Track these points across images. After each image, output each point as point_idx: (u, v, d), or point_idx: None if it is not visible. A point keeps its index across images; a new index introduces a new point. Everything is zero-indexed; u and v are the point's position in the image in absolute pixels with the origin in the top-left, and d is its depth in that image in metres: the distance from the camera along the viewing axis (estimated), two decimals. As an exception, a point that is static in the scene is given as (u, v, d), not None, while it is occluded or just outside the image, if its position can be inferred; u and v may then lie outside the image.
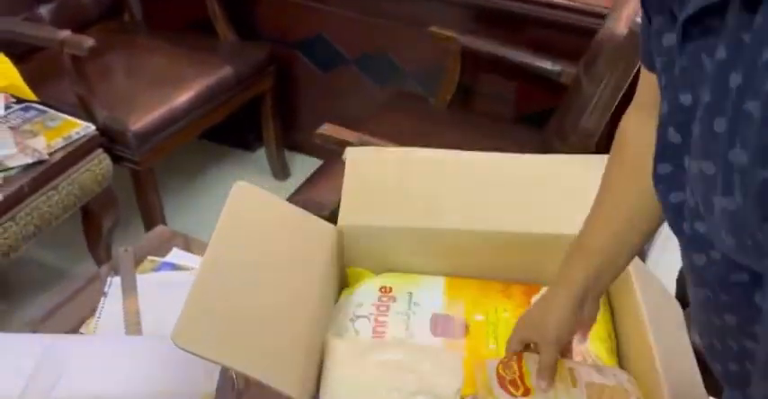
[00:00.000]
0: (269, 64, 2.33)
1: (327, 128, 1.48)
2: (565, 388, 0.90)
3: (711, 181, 0.56)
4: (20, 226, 1.66)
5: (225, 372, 0.96)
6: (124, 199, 2.05)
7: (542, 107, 1.99)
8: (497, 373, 0.92)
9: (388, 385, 0.96)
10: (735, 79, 0.52)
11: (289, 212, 1.09)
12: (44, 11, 2.20)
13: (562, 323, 0.89)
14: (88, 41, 1.81)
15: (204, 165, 2.64)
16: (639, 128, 0.83)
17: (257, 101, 2.39)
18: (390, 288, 1.13)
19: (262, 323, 0.91)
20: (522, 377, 0.91)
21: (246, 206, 1.03)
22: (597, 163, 1.05)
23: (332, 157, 1.50)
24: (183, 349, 0.80)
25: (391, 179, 1.17)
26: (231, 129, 2.55)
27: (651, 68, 0.73)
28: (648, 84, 0.80)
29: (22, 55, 2.03)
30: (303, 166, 2.53)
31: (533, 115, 2.03)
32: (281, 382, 0.86)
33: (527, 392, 0.90)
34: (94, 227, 1.94)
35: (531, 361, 0.92)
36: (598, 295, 0.93)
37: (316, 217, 1.11)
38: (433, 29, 1.90)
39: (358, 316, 1.08)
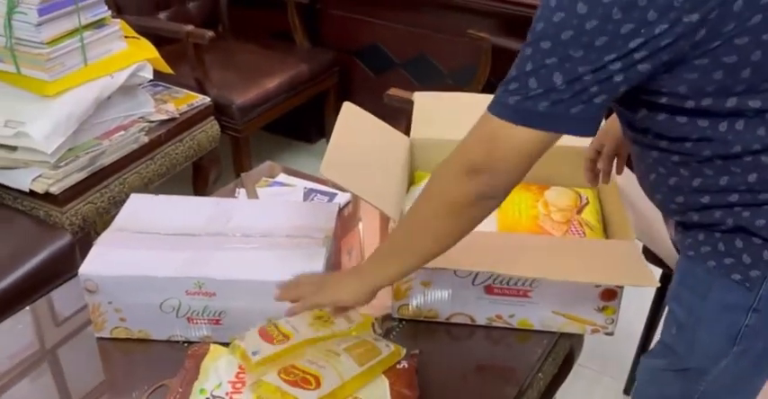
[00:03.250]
0: (333, 66, 2.80)
1: (393, 91, 1.93)
2: None
3: None
4: (156, 164, 2.10)
5: (337, 217, 1.38)
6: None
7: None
8: None
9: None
10: None
11: (382, 125, 1.53)
12: (162, 16, 2.68)
13: (619, 135, 1.27)
14: (208, 33, 2.28)
15: (272, 154, 3.06)
16: None
17: (322, 97, 2.85)
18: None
19: (369, 177, 1.33)
20: None
21: (354, 116, 1.48)
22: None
23: (397, 116, 1.94)
24: (326, 177, 1.23)
25: (447, 108, 1.60)
26: (294, 124, 3.00)
27: None
28: None
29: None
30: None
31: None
32: (385, 208, 1.28)
33: None
34: (203, 179, 2.38)
35: None
36: None
37: (396, 131, 1.54)
38: (470, 31, 2.34)
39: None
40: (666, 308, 1.18)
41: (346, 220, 1.62)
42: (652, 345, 1.83)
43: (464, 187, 0.98)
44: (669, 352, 1.15)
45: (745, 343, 1.05)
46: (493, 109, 0.93)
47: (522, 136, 0.92)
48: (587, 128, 0.92)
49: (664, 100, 0.94)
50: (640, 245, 1.27)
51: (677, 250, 1.14)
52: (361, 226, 1.63)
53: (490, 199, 1.01)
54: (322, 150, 3.14)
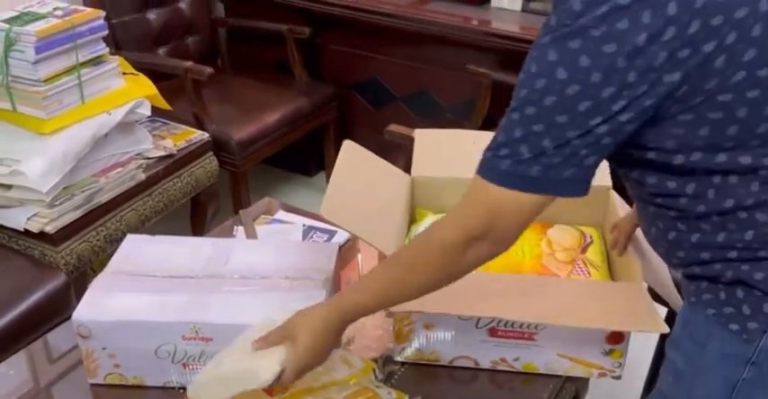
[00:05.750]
0: (333, 100, 2.79)
1: (393, 127, 1.92)
2: None
3: None
4: (154, 201, 2.08)
5: (338, 257, 1.35)
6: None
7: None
8: None
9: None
10: None
11: (382, 163, 1.51)
12: (161, 51, 2.68)
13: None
14: (207, 69, 2.27)
15: (270, 188, 3.04)
16: None
17: (321, 131, 2.83)
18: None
19: (369, 216, 1.31)
20: None
21: (354, 154, 1.46)
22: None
23: (396, 150, 1.92)
24: (327, 219, 1.20)
25: (447, 145, 1.58)
26: (294, 157, 2.98)
27: None
28: None
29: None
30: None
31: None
32: (386, 249, 1.25)
33: None
34: (201, 215, 2.36)
35: None
36: None
37: (397, 168, 1.52)
38: (470, 66, 2.34)
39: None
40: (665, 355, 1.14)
41: (345, 252, 1.59)
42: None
43: (463, 254, 0.98)
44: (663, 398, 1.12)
45: (741, 397, 1.00)
46: (485, 173, 0.93)
47: (519, 199, 0.92)
48: (579, 190, 0.92)
49: (653, 155, 0.93)
50: (646, 286, 1.23)
51: (681, 294, 1.11)
52: (360, 257, 1.60)
53: (486, 261, 1.01)
54: (321, 183, 3.14)
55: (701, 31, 0.82)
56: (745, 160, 0.90)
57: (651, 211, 1.03)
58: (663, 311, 1.41)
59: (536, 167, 0.89)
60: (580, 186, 0.92)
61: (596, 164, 0.91)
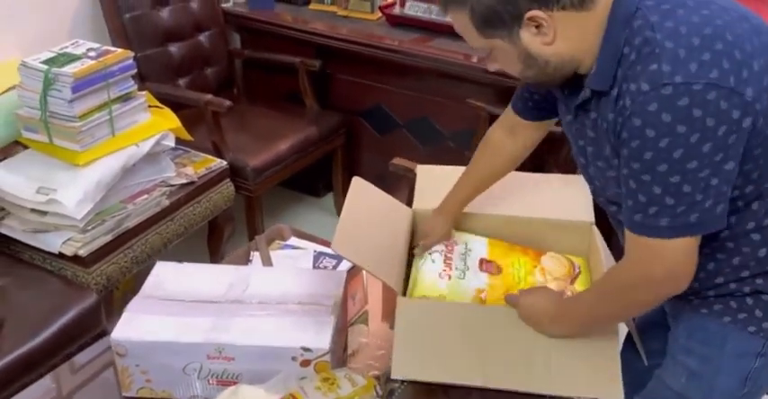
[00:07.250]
0: (341, 127, 2.93)
1: (397, 160, 2.05)
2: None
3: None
4: (176, 225, 2.21)
5: (346, 283, 1.48)
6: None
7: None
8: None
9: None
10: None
11: (387, 198, 1.64)
12: (182, 81, 2.82)
13: (442, 232, 1.57)
14: (226, 102, 2.42)
15: (282, 208, 3.18)
16: (502, 140, 1.51)
17: (330, 156, 2.97)
18: (454, 242, 1.64)
19: (375, 250, 1.44)
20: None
21: (362, 190, 1.59)
22: (574, 179, 1.61)
23: (399, 182, 2.06)
24: (337, 253, 1.33)
25: (447, 181, 1.71)
26: (304, 179, 3.12)
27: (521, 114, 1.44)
28: (514, 118, 1.46)
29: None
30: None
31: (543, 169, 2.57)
32: (388, 280, 1.39)
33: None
34: (217, 236, 2.49)
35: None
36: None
37: (401, 203, 1.65)
38: (470, 100, 2.47)
39: (433, 252, 1.59)
40: (669, 360, 1.32)
41: (352, 275, 1.70)
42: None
43: (650, 296, 1.15)
44: (678, 397, 1.29)
45: (751, 383, 1.22)
46: (647, 232, 1.07)
47: (684, 243, 1.07)
48: (726, 220, 1.07)
49: None
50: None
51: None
52: (364, 273, 1.69)
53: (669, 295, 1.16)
54: (329, 204, 3.25)
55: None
56: None
57: None
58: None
59: (694, 215, 1.03)
60: (726, 216, 1.06)
61: (729, 193, 1.06)
